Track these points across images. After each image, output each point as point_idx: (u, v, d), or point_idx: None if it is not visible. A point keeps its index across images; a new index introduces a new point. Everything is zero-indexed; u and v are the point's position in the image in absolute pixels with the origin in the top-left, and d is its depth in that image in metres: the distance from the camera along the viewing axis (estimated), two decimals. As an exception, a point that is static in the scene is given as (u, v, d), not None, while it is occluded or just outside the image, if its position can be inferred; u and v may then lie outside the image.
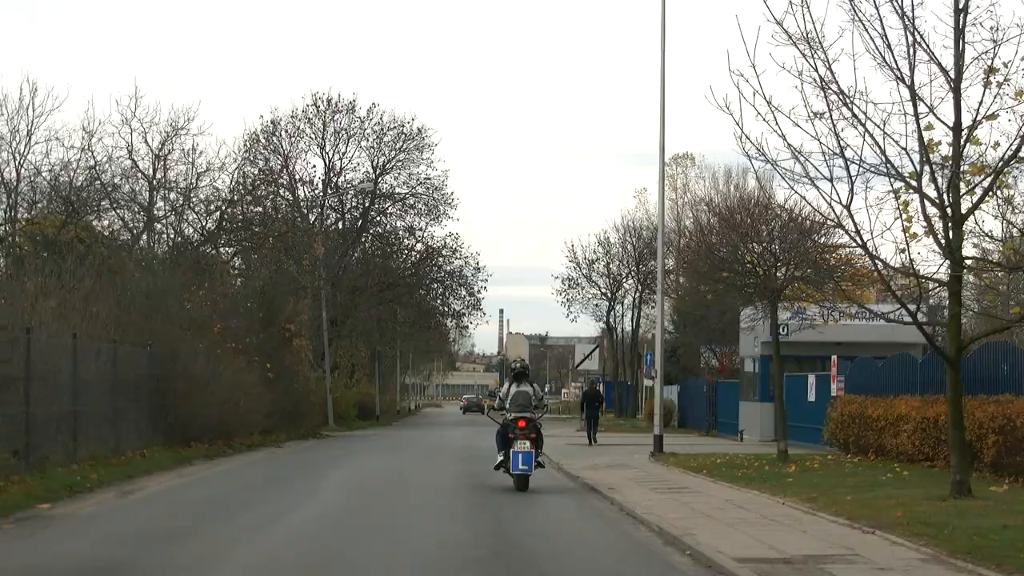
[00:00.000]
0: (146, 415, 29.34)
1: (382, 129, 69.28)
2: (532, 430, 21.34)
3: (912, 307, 18.12)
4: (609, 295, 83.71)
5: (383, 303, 71.37)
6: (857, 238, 17.12)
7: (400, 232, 70.99)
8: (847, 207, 17.05)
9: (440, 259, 70.58)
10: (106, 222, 44.10)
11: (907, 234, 17.02)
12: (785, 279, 26.35)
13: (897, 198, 17.03)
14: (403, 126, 69.29)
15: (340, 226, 70.56)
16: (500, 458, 21.85)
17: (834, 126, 16.81)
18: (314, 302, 57.16)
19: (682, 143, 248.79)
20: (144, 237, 44.16)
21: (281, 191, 67.14)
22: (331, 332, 68.51)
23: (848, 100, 16.93)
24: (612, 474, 26.14)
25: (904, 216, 16.57)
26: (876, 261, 17.51)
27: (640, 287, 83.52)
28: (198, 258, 40.19)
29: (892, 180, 16.84)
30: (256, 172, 63.27)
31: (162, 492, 21.95)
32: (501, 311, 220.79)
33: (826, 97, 16.73)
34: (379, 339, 74.81)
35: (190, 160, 44.21)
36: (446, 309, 73.11)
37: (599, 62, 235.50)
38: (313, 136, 68.90)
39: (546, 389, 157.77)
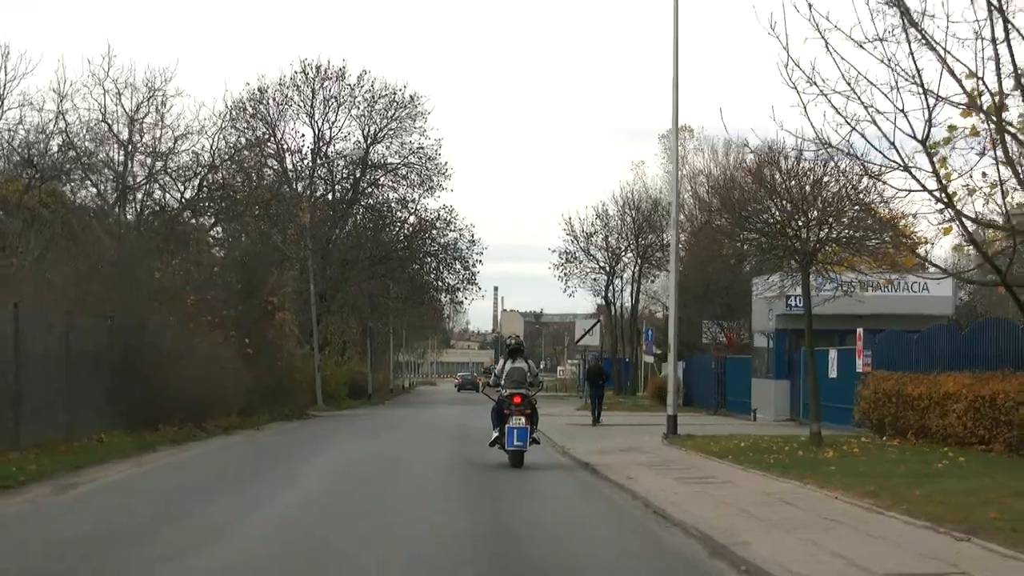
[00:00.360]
0: (107, 395, 26.24)
1: (373, 97, 66.22)
2: (527, 406, 21.08)
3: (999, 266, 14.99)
4: (607, 269, 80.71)
5: (375, 277, 68.31)
6: (934, 181, 13.99)
7: (392, 204, 67.98)
8: (923, 141, 13.96)
9: (434, 231, 67.49)
10: (82, 192, 40.97)
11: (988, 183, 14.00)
12: (820, 240, 23.25)
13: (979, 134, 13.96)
14: (395, 94, 66.26)
15: (330, 197, 67.50)
16: (495, 435, 21.45)
17: (909, 45, 13.70)
18: (301, 274, 54.10)
19: (680, 116, 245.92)
20: (119, 205, 40.95)
21: (268, 160, 64.24)
22: (320, 307, 65.50)
23: (916, 21, 13.87)
24: (625, 459, 23.12)
25: (996, 153, 13.46)
26: (952, 210, 14.38)
27: (639, 261, 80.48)
28: (173, 225, 36.95)
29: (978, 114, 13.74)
30: (241, 140, 60.45)
31: (111, 485, 18.81)
32: (496, 288, 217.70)
33: (903, 14, 13.64)
34: (371, 315, 71.70)
35: (167, 123, 40.95)
36: (440, 284, 70.02)
37: (594, 37, 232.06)
38: (301, 104, 65.84)
39: (541, 366, 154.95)
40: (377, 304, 70.68)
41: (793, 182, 22.82)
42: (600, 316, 73.89)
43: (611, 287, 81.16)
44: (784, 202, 22.92)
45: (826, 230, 23.17)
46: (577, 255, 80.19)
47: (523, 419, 20.83)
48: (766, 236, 23.53)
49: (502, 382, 21.57)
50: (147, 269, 30.96)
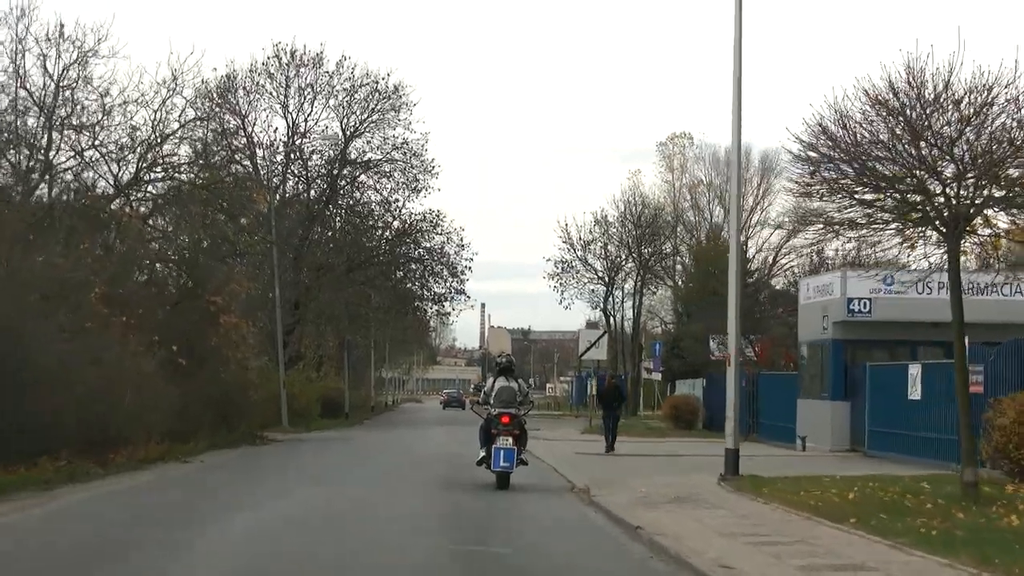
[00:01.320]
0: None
1: (353, 86, 58.37)
2: (516, 426, 20.06)
3: None
4: (607, 279, 72.98)
5: (354, 285, 60.36)
6: None
7: (374, 206, 60.06)
8: None
9: (419, 235, 59.56)
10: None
11: None
12: (976, 197, 15.46)
13: None
14: (377, 83, 58.34)
15: (308, 195, 59.63)
16: (483, 454, 20.33)
17: None
18: (259, 273, 46.15)
19: (678, 122, 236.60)
20: (39, 187, 32.99)
21: (237, 155, 56.49)
22: (292, 316, 57.61)
23: None
24: (689, 520, 15.32)
25: None
26: None
27: (641, 271, 72.71)
28: (94, 209, 29.01)
29: None
30: (209, 134, 52.91)
31: None
32: (483, 305, 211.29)
33: None
34: (349, 326, 63.63)
35: (95, 87, 33.11)
36: (425, 292, 62.00)
37: (590, 56, 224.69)
38: (274, 93, 58.07)
39: (531, 383, 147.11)
40: (356, 314, 62.69)
41: (942, 114, 15.01)
42: (609, 327, 66.08)
43: (611, 298, 73.34)
44: (928, 144, 15.09)
45: (985, 187, 15.35)
46: (574, 264, 72.49)
47: (511, 439, 19.80)
48: (892, 192, 15.65)
49: (491, 401, 20.49)
50: (43, 258, 23.04)
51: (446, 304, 62.21)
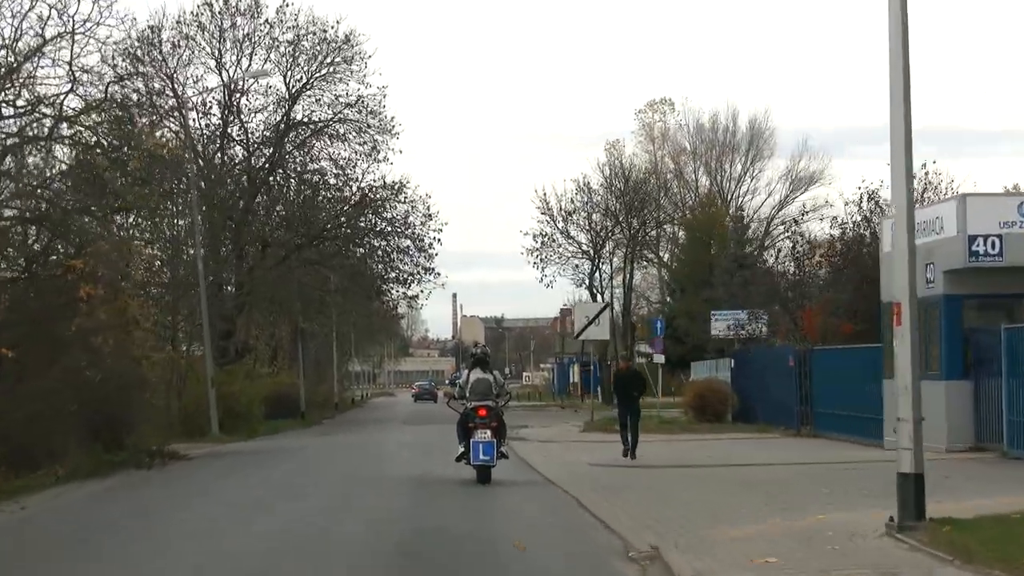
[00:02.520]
0: None
1: (297, 36, 48.72)
2: (494, 418, 18.61)
3: None
4: (592, 253, 63.60)
5: (306, 264, 50.76)
6: None
7: (328, 175, 50.35)
8: None
9: (377, 204, 49.88)
10: None
11: None
12: None
13: None
14: (325, 31, 48.73)
15: (250, 162, 49.92)
16: (461, 449, 18.83)
17: None
18: (176, 247, 36.57)
19: (659, 88, 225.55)
20: None
21: (166, 120, 47.00)
22: (234, 300, 48.08)
23: None
24: None
25: None
26: None
27: (631, 243, 63.36)
28: None
29: None
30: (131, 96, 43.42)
31: None
32: (454, 295, 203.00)
33: None
34: (303, 312, 53.94)
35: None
36: (390, 272, 52.25)
37: (559, 45, 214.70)
38: (207, 47, 48.45)
39: (507, 373, 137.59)
40: (311, 299, 53.07)
41: None
42: (611, 301, 56.51)
43: (598, 273, 63.89)
44: None
45: None
46: (555, 238, 63.07)
47: (489, 432, 18.40)
48: None
49: (467, 394, 18.99)
50: None
51: (414, 286, 52.43)
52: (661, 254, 72.27)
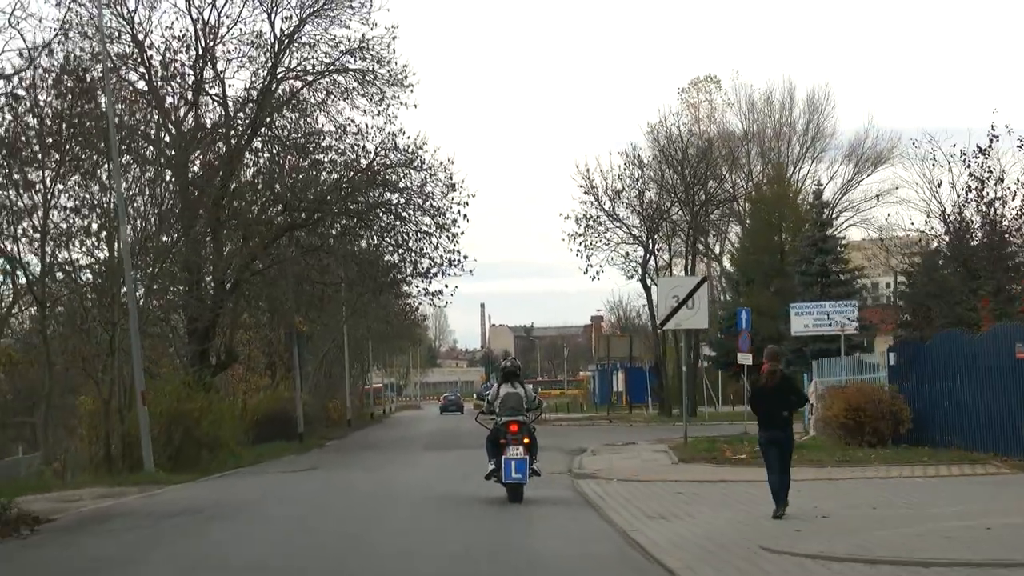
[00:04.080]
0: None
1: (284, -37, 37.74)
2: (525, 434, 16.93)
3: None
4: (644, 237, 52.23)
5: (302, 251, 39.57)
6: None
7: (323, 134, 39.06)
8: None
9: (386, 171, 38.52)
10: None
11: None
12: None
13: None
14: (318, -44, 37.71)
15: (227, 126, 38.69)
16: (492, 467, 17.02)
17: None
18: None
19: (701, 65, 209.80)
20: None
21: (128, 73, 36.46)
22: (214, 299, 36.91)
23: None
24: None
25: None
26: None
27: (694, 222, 51.95)
28: None
29: None
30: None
31: None
32: (482, 305, 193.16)
33: None
34: (298, 310, 42.63)
35: None
36: (407, 261, 40.67)
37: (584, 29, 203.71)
38: (173, -17, 37.36)
39: (539, 380, 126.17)
40: (310, 294, 41.79)
41: None
42: (707, 275, 44.85)
43: (654, 259, 52.45)
44: None
45: None
46: (601, 221, 51.78)
47: (521, 449, 16.72)
48: None
49: (496, 409, 17.29)
50: None
51: (436, 278, 40.66)
52: (721, 243, 61.32)
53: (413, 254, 39.54)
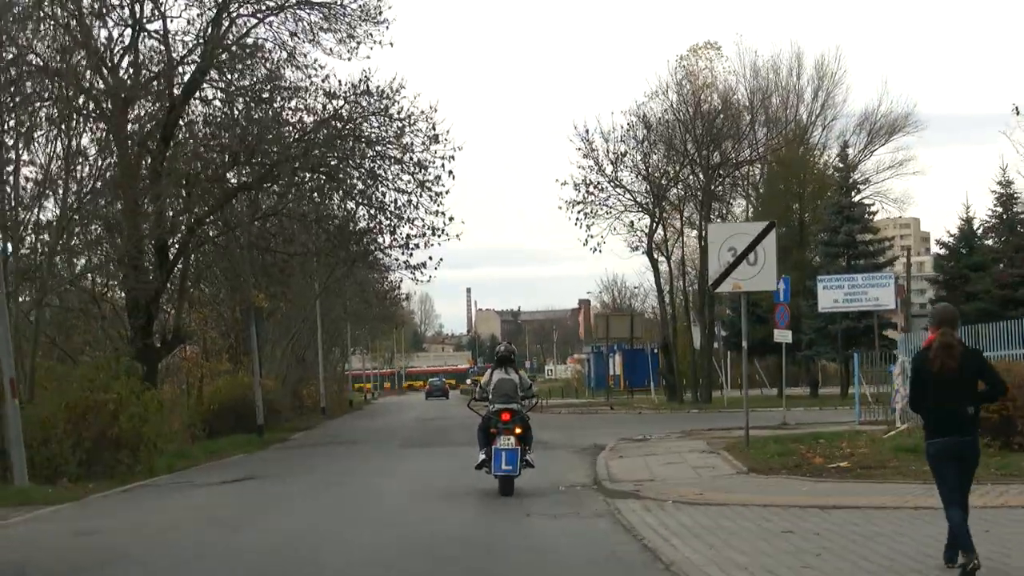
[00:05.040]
0: None
1: None
2: (518, 423, 15.90)
3: None
4: (651, 205, 45.98)
5: (258, 215, 33.17)
6: None
7: (281, 78, 32.54)
8: None
9: (359, 120, 32.10)
10: None
11: None
12: None
13: None
14: None
15: (170, 66, 32.14)
16: (482, 456, 16.03)
17: None
18: None
19: (702, 30, 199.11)
20: None
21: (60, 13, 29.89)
22: (161, 270, 30.48)
23: None
24: None
25: None
26: None
27: (708, 184, 45.65)
28: None
29: None
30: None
31: None
32: (468, 290, 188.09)
33: None
34: (257, 283, 36.18)
35: None
36: (381, 224, 34.05)
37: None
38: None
39: (527, 365, 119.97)
40: (270, 267, 35.42)
41: None
42: (770, 220, 38.42)
43: (662, 230, 46.25)
44: None
45: None
46: (602, 186, 45.50)
47: (512, 439, 15.71)
48: None
49: (489, 396, 16.32)
50: None
51: (414, 248, 34.01)
52: (735, 211, 55.14)
53: (391, 216, 33.13)
